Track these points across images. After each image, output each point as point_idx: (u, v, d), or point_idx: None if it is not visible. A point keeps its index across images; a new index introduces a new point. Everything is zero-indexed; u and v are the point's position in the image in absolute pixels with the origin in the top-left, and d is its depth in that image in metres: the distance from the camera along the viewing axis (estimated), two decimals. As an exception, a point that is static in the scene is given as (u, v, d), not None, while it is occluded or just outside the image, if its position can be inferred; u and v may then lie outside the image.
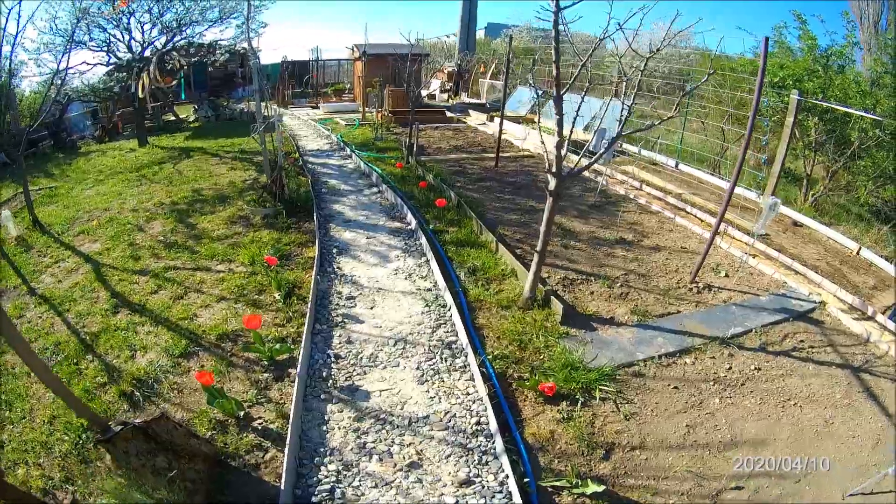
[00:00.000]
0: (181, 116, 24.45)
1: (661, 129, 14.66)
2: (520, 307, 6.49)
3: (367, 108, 21.81)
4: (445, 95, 28.82)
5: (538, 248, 6.22)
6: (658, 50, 5.68)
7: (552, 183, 5.85)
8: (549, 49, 26.12)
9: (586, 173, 12.25)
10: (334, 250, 8.16)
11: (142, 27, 16.45)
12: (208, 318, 6.38)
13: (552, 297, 6.40)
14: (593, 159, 5.92)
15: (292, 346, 5.73)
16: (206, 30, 17.60)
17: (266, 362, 5.50)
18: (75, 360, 5.59)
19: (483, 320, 6.33)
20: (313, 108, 26.09)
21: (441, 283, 7.00)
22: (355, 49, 26.43)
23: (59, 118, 19.67)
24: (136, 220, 9.79)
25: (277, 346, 5.66)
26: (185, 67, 17.67)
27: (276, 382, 5.22)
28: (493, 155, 13.76)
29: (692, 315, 6.30)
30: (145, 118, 17.85)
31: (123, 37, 16.44)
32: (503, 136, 17.15)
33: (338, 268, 7.63)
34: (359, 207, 10.21)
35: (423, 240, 8.19)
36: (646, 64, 5.67)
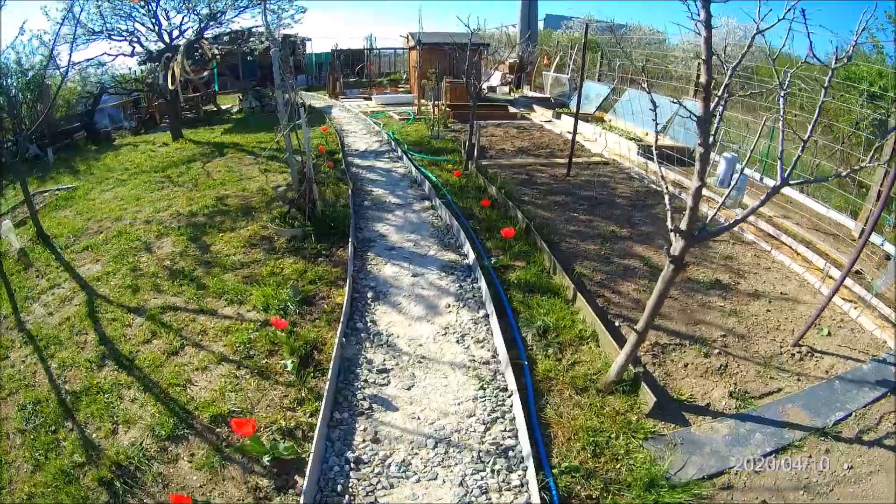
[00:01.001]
0: (224, 107, 23.38)
1: (740, 136, 12.65)
2: (599, 389, 4.88)
3: (422, 101, 20.09)
4: (507, 88, 27.11)
5: (639, 327, 4.48)
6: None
7: (677, 245, 4.02)
8: (613, 40, 24.34)
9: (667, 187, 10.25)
10: (369, 294, 6.49)
11: (167, 14, 15.13)
12: (204, 388, 5.03)
13: (642, 384, 4.76)
14: (722, 201, 3.97)
15: (301, 445, 4.34)
16: (236, 16, 16.17)
17: (268, 460, 4.17)
18: (54, 427, 4.76)
19: (551, 411, 4.67)
20: (366, 99, 24.62)
21: (502, 351, 5.30)
22: (409, 37, 24.83)
23: (91, 109, 18.97)
24: (147, 236, 8.56)
25: (282, 445, 4.22)
26: (217, 57, 16.19)
27: (277, 494, 3.96)
28: (563, 161, 12.00)
29: (794, 397, 5.10)
30: (180, 110, 16.57)
31: (154, 26, 15.15)
32: (570, 137, 15.33)
33: (371, 321, 5.95)
34: (406, 228, 8.53)
35: (483, 283, 6.43)
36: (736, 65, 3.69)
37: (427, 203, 9.68)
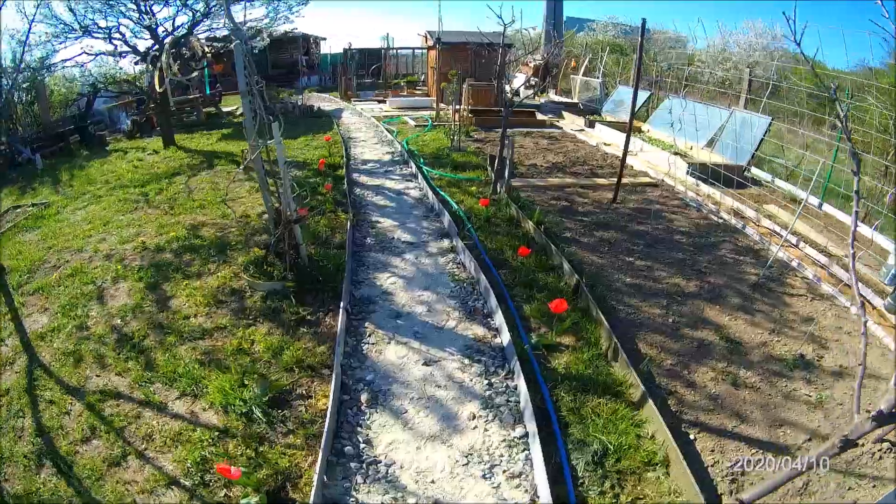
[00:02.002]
0: (228, 109, 21.82)
1: (797, 153, 11.40)
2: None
3: (441, 105, 18.36)
4: (531, 92, 25.38)
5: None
6: None
7: (861, 427, 2.36)
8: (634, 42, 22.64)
9: (725, 215, 8.46)
10: (364, 395, 4.69)
11: (150, 9, 13.47)
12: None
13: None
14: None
15: None
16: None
17: None
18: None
19: None
20: (380, 102, 22.94)
21: (544, 492, 3.62)
22: (427, 36, 23.18)
23: (84, 112, 17.98)
24: (104, 277, 6.95)
25: None
26: (209, 55, 14.52)
27: None
28: (606, 181, 10.52)
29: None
30: (170, 115, 14.98)
31: (140, 20, 13.53)
32: (608, 150, 13.68)
33: (365, 441, 4.22)
34: (418, 282, 6.70)
35: (521, 383, 4.63)
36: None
37: (446, 243, 7.86)
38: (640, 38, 8.91)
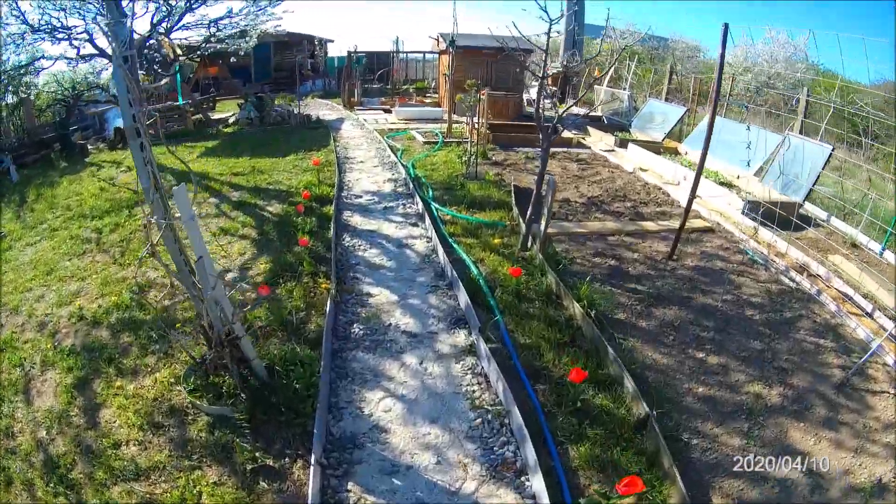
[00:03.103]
0: (220, 116, 19.86)
1: (861, 190, 9.68)
2: None
3: (454, 117, 16.21)
4: (548, 103, 23.16)
5: None
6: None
7: None
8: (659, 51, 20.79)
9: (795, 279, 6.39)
10: None
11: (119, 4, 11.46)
12: None
13: None
14: None
15: None
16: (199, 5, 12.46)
17: None
18: None
19: None
20: (386, 112, 20.86)
21: None
22: (440, 38, 21.14)
23: (65, 119, 16.61)
24: (32, 360, 5.62)
25: None
26: (181, 58, 12.38)
27: None
28: (655, 226, 8.72)
29: None
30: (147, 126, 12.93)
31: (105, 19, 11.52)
32: (646, 177, 11.63)
33: None
34: (423, 411, 4.64)
35: None
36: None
37: (462, 336, 5.77)
38: (720, 49, 6.80)
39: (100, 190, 11.26)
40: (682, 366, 5.26)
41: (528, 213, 7.38)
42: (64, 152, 15.91)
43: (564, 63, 25.60)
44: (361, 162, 12.58)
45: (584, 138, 15.97)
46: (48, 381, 5.24)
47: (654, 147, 13.70)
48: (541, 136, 7.15)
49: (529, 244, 7.44)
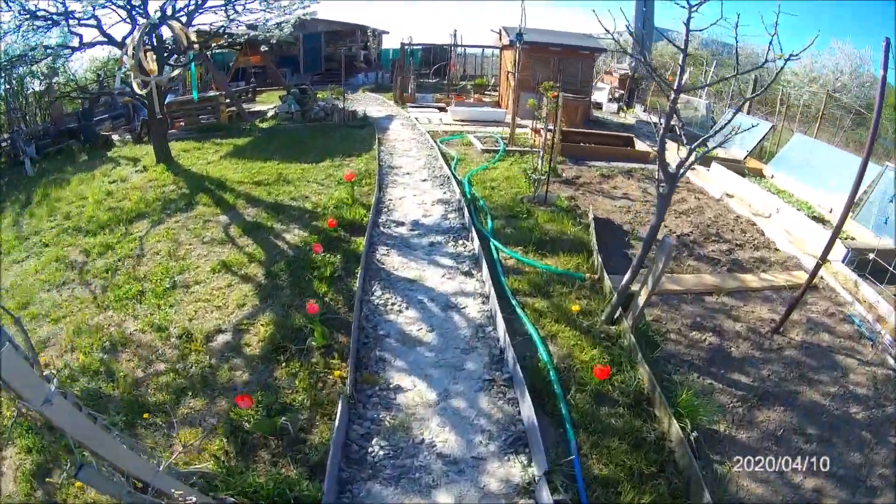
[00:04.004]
0: (255, 109, 18.15)
1: None
2: None
3: (518, 121, 13.97)
4: (615, 106, 20.94)
5: None
6: None
7: None
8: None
9: None
10: None
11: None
12: None
13: None
14: None
15: None
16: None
17: None
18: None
19: None
20: (441, 110, 18.77)
21: None
22: (503, 32, 18.92)
23: (88, 108, 15.24)
24: None
25: None
26: (196, 46, 10.39)
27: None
28: (756, 281, 6.91)
29: None
30: (165, 122, 11.27)
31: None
32: (735, 206, 9.56)
33: None
34: None
35: None
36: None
37: (519, 468, 3.91)
38: (882, 71, 4.60)
39: (106, 195, 9.79)
40: (777, 496, 4.00)
41: (626, 278, 5.23)
42: (86, 144, 14.65)
43: (632, 64, 23.31)
44: (408, 173, 10.50)
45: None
46: (6, 460, 4.27)
47: (736, 168, 11.64)
48: (659, 183, 4.96)
49: (622, 322, 5.30)
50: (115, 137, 15.30)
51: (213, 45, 13.91)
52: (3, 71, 10.48)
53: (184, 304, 5.91)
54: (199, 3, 10.21)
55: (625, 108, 21.47)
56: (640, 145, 13.44)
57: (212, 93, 16.71)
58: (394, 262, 6.66)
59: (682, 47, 4.40)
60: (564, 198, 8.96)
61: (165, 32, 9.30)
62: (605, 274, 6.21)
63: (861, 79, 23.45)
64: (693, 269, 7.05)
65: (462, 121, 16.49)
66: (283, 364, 4.84)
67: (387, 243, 7.18)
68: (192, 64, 10.26)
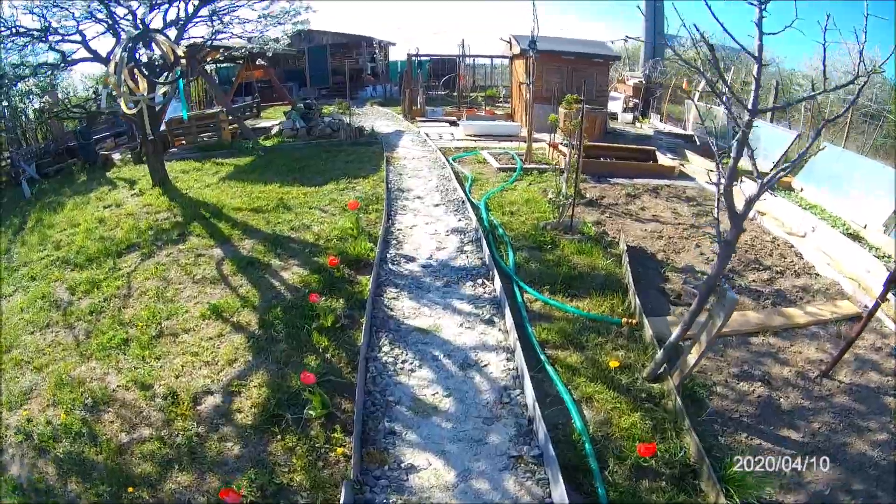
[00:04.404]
0: (260, 125, 17.63)
1: None
2: None
3: (530, 133, 13.29)
4: (630, 116, 20.30)
5: None
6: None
7: None
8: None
9: None
10: None
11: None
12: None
13: None
14: None
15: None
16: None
17: None
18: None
19: None
20: (452, 124, 18.15)
21: None
22: (513, 41, 18.33)
23: (86, 126, 14.82)
24: None
25: None
26: (183, 61, 9.64)
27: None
28: (802, 317, 6.25)
29: None
30: (161, 144, 10.68)
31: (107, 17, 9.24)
32: (769, 226, 9.07)
33: None
34: None
35: None
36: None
37: None
38: None
39: (98, 222, 9.27)
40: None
41: (676, 334, 4.55)
42: (86, 164, 14.30)
43: (645, 72, 22.66)
44: (419, 197, 9.83)
45: (683, 165, 12.92)
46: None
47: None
48: (726, 229, 4.28)
49: (661, 371, 4.62)
50: (116, 156, 14.85)
51: (209, 59, 13.31)
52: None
53: (170, 356, 5.30)
54: (190, 14, 9.60)
55: (640, 118, 20.81)
56: (663, 159, 12.77)
57: (212, 109, 16.16)
58: (404, 307, 5.98)
59: (756, 55, 3.60)
60: (591, 223, 8.28)
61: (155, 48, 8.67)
62: (645, 319, 5.50)
63: (871, 80, 22.99)
64: (737, 305, 6.37)
65: (474, 136, 15.86)
66: (279, 436, 4.22)
67: (396, 283, 6.49)
68: (181, 81, 9.59)
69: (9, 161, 13.64)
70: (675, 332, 4.56)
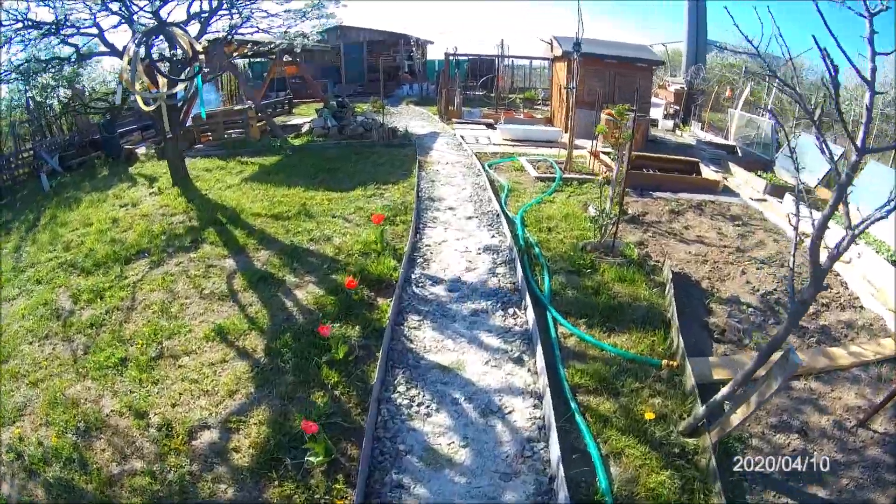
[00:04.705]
0: (292, 122, 17.32)
1: None
2: None
3: (571, 140, 12.66)
4: (670, 123, 19.54)
5: None
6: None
7: None
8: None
9: None
10: None
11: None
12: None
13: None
14: None
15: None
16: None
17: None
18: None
19: None
20: (489, 127, 17.61)
21: None
22: (554, 43, 17.71)
23: (110, 120, 14.61)
24: None
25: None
26: (202, 56, 9.13)
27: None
28: (844, 356, 5.77)
29: None
30: (176, 139, 10.34)
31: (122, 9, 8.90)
32: (806, 245, 7.90)
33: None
34: None
35: None
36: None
37: None
38: None
39: (111, 223, 9.00)
40: None
41: (724, 392, 4.01)
42: (109, 158, 14.19)
43: (687, 78, 21.85)
44: (450, 208, 9.32)
45: (726, 178, 12.22)
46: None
47: (810, 199, 10.08)
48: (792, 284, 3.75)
49: (700, 424, 4.07)
50: (141, 150, 14.70)
51: (236, 54, 12.99)
52: (6, 83, 9.74)
53: (168, 381, 4.93)
54: (214, 7, 9.21)
55: (681, 125, 20.03)
56: (707, 171, 12.09)
57: (241, 105, 15.89)
58: (425, 339, 5.45)
59: (868, 79, 2.92)
60: (633, 243, 7.68)
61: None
62: (687, 362, 4.92)
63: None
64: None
65: (512, 140, 15.29)
66: (276, 482, 3.82)
67: (419, 310, 5.96)
68: (200, 77, 9.20)
69: (31, 153, 13.56)
70: (723, 390, 4.04)
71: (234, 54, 13.52)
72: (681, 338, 5.29)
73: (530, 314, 5.63)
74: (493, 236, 8.03)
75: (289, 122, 18.16)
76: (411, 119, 19.49)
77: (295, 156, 13.15)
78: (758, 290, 6.83)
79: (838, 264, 7.86)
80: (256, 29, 10.22)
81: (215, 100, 21.50)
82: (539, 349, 5.01)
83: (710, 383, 4.97)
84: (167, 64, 9.23)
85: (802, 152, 12.83)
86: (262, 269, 6.78)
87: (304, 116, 19.21)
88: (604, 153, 12.00)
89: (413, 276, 6.65)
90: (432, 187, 10.53)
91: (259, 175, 11.31)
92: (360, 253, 7.05)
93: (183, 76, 8.31)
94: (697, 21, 26.08)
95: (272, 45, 12.70)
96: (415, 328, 5.56)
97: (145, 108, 8.28)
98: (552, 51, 18.72)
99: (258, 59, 22.83)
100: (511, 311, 5.91)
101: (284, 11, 10.03)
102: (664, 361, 5.10)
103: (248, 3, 9.49)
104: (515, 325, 5.67)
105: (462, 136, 15.65)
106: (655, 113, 20.30)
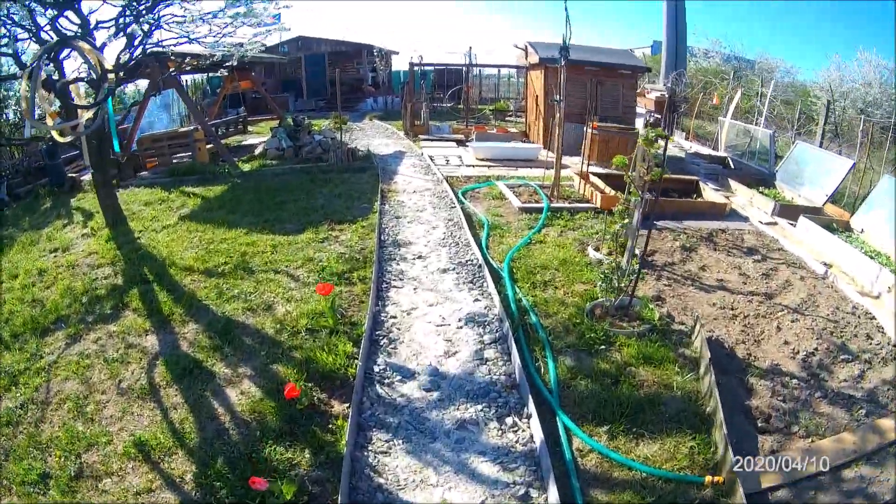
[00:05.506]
0: (248, 142, 16.03)
1: None
2: None
3: (558, 162, 11.44)
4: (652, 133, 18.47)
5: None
6: None
7: None
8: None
9: None
10: None
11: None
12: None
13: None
14: None
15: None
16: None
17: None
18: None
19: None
20: (460, 143, 16.42)
21: None
22: (530, 49, 16.68)
23: (52, 146, 12.93)
24: None
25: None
26: (112, 78, 7.58)
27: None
28: (892, 429, 4.68)
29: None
30: (107, 175, 8.97)
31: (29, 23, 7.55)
32: (842, 285, 7.54)
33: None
34: None
35: None
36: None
37: None
38: None
39: (38, 274, 7.63)
40: None
41: None
42: (53, 187, 12.73)
43: (667, 85, 21.20)
44: (420, 256, 7.86)
45: (728, 197, 11.26)
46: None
47: (822, 220, 9.49)
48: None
49: None
50: (87, 178, 13.23)
51: (174, 70, 11.67)
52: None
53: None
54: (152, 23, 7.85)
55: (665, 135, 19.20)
56: (708, 191, 11.12)
57: (186, 127, 14.49)
58: (398, 469, 4.03)
59: None
60: (650, 299, 6.50)
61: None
62: (738, 478, 3.77)
63: (888, 91, 22.50)
64: (828, 418, 4.74)
65: (487, 160, 14.08)
66: None
67: (387, 424, 4.47)
68: (110, 100, 7.86)
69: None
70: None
71: (172, 71, 12.14)
72: (729, 442, 4.11)
73: (535, 426, 4.27)
74: (476, 299, 6.54)
75: (244, 143, 16.83)
76: (374, 136, 18.22)
77: (242, 184, 11.74)
78: (798, 353, 5.70)
79: (868, 301, 6.89)
80: (187, 39, 8.87)
81: (165, 121, 20.09)
82: (552, 485, 3.67)
83: (758, 493, 3.90)
84: (83, 86, 7.83)
85: (802, 164, 12.05)
86: (189, 352, 5.37)
87: (261, 136, 17.88)
88: (594, 174, 10.90)
89: (376, 368, 5.16)
90: (397, 226, 9.11)
91: (199, 212, 9.86)
92: (306, 329, 5.65)
93: (85, 102, 6.91)
94: (676, 24, 25.41)
95: (210, 59, 11.39)
96: (383, 453, 4.14)
97: (61, 140, 6.84)
98: (527, 58, 17.61)
99: (216, 75, 21.53)
100: (509, 420, 4.48)
101: (206, 14, 8.69)
102: (707, 478, 3.92)
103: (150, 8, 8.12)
104: (517, 442, 4.26)
105: (430, 157, 14.32)
106: (638, 122, 19.46)
